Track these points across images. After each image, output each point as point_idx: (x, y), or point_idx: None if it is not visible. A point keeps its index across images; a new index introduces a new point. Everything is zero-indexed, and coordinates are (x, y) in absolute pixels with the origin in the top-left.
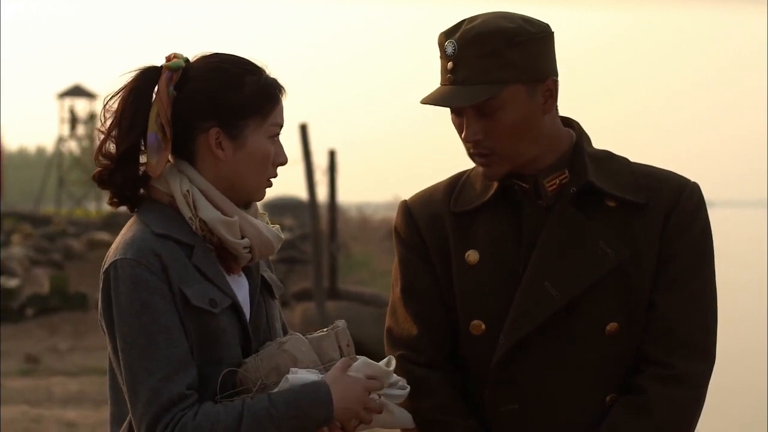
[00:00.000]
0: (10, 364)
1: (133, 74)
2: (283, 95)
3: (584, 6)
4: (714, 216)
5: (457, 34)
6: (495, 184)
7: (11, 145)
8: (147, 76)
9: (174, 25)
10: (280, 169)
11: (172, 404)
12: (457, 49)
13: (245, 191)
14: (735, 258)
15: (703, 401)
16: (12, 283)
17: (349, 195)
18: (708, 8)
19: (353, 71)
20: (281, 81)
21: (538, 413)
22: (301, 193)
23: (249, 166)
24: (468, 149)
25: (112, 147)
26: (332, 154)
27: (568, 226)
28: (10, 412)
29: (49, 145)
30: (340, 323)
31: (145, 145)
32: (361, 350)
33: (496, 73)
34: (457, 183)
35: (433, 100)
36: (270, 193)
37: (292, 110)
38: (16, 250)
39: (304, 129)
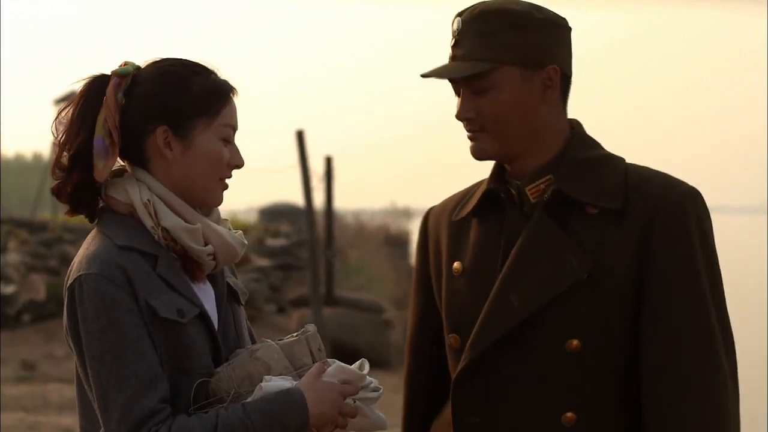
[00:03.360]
0: (7, 371)
1: (83, 82)
2: (235, 96)
3: (584, 6)
4: (712, 221)
5: (465, 13)
6: (482, 191)
7: (8, 150)
8: (96, 84)
9: (171, 29)
10: (277, 176)
11: (145, 419)
12: (461, 26)
13: (198, 194)
14: (734, 265)
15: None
16: (8, 289)
17: (345, 201)
18: (708, 8)
19: (350, 76)
20: (233, 82)
21: (499, 427)
22: (297, 199)
23: (198, 166)
24: (464, 126)
25: (65, 158)
26: (329, 161)
27: (538, 235)
28: (7, 419)
29: (46, 151)
30: (311, 327)
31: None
32: (357, 358)
33: (491, 52)
34: (468, 192)
35: (429, 72)
36: (266, 200)
37: (289, 116)
38: (13, 256)
39: (300, 135)
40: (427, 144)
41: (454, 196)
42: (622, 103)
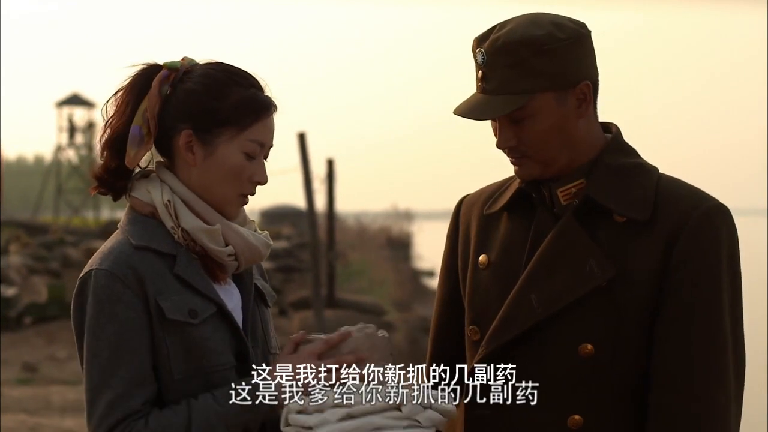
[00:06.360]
0: (9, 373)
1: (136, 70)
2: (272, 113)
3: (583, 7)
4: None
5: (486, 43)
6: (515, 188)
7: (9, 153)
8: (146, 73)
9: (173, 32)
10: (279, 178)
11: (126, 418)
12: (486, 58)
13: (214, 202)
14: None
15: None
16: (10, 291)
17: (347, 204)
18: (707, 9)
19: (352, 79)
20: (276, 99)
21: (507, 423)
22: (299, 201)
23: (216, 175)
24: (506, 154)
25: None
26: (330, 163)
27: (564, 239)
28: (9, 421)
29: (48, 153)
30: (370, 327)
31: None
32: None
33: (523, 83)
34: (503, 185)
35: (462, 111)
36: (268, 202)
37: (291, 119)
38: (14, 258)
39: (302, 137)
40: (429, 146)
41: (488, 187)
42: (617, 107)
